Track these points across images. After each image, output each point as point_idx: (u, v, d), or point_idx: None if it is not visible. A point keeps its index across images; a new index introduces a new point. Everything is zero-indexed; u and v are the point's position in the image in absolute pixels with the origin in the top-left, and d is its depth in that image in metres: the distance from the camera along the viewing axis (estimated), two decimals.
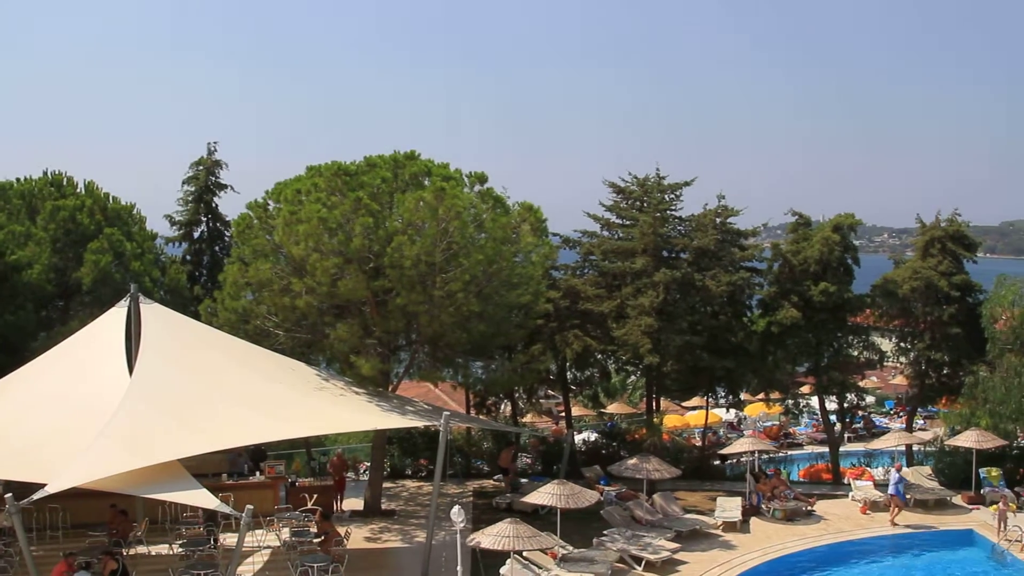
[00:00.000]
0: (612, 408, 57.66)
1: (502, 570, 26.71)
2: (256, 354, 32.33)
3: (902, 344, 44.48)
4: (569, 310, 40.01)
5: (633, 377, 56.07)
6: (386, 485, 38.32)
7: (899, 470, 36.81)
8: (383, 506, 36.05)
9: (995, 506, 34.44)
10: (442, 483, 30.56)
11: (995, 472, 38.44)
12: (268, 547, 30.88)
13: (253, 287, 34.10)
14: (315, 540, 29.39)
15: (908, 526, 34.95)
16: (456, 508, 25.69)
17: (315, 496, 34.20)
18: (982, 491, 37.60)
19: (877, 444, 45.04)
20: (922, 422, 59.15)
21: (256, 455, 36.81)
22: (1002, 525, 33.38)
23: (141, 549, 30.08)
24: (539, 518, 32.93)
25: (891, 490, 36.09)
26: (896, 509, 35.52)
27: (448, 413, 30.04)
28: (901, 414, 60.08)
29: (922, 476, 39.62)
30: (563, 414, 47.93)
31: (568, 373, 43.42)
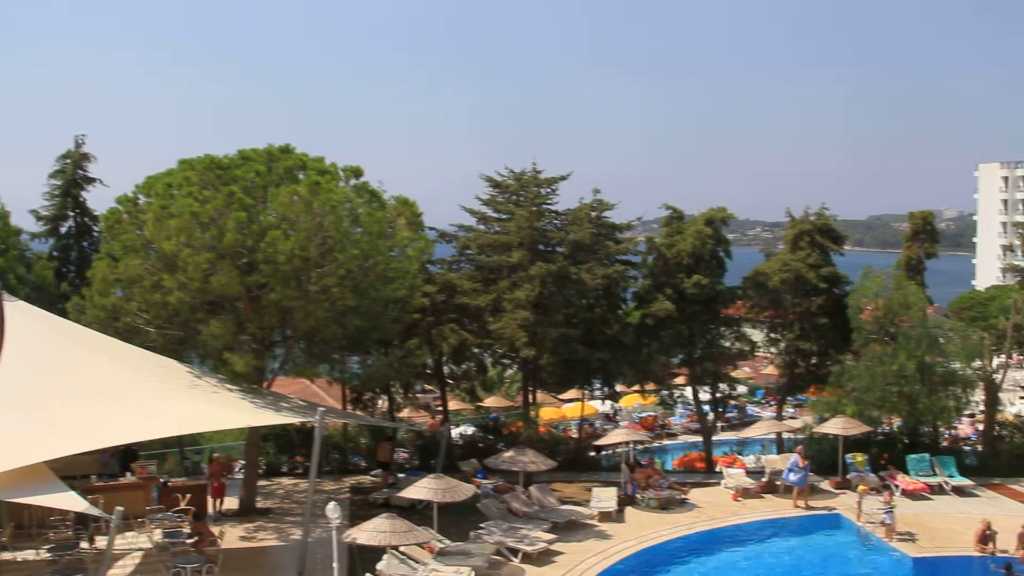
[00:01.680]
0: (489, 401, 57.80)
1: (379, 566, 26.60)
2: (126, 352, 31.70)
3: (772, 335, 45.44)
4: (445, 304, 40.05)
5: (510, 370, 56.32)
6: (261, 483, 37.91)
7: (800, 453, 37.54)
8: (258, 504, 35.61)
9: (860, 489, 35.40)
10: (318, 480, 30.39)
11: (860, 457, 39.51)
12: (140, 549, 30.25)
13: (123, 283, 33.36)
14: (188, 541, 28.93)
15: (812, 507, 35.75)
16: (332, 504, 25.51)
17: (188, 496, 33.60)
18: (848, 476, 38.60)
19: (748, 432, 45.92)
20: (792, 410, 60.42)
21: (127, 455, 36.02)
22: (860, 508, 34.42)
23: (6, 555, 29.25)
24: (416, 513, 32.86)
25: (791, 478, 36.94)
26: (796, 491, 36.59)
27: (323, 409, 29.84)
28: (772, 403, 61.33)
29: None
30: (440, 408, 47.92)
31: (445, 367, 43.42)
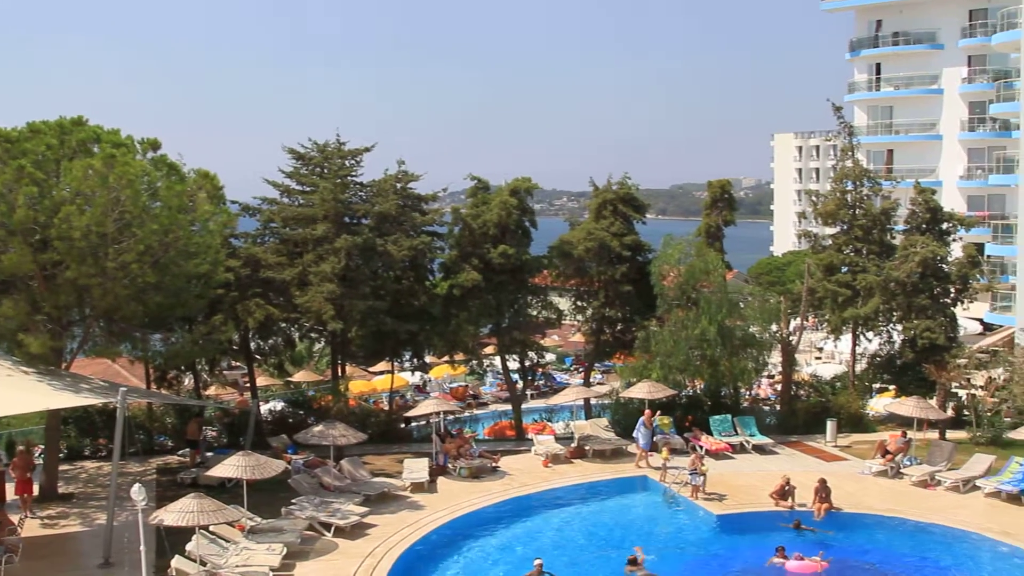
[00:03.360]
0: (299, 376, 57.14)
1: (188, 547, 26.04)
2: None
3: (579, 303, 46.06)
4: (250, 279, 39.35)
5: (319, 344, 55.78)
6: (63, 468, 36.60)
7: (648, 416, 38.20)
8: (60, 490, 34.40)
9: (664, 452, 36.35)
10: (122, 462, 29.56)
11: (666, 420, 40.50)
12: None
13: None
14: None
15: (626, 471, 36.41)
16: (136, 487, 24.80)
17: None
18: (655, 438, 39.51)
19: (557, 399, 46.59)
20: (600, 376, 61.62)
21: None
22: (665, 470, 35.40)
23: None
24: (226, 491, 32.31)
25: (639, 440, 37.68)
26: (640, 452, 37.42)
27: (125, 389, 28.94)
28: (580, 370, 62.38)
29: (599, 428, 41.33)
30: (248, 385, 47.15)
31: (251, 343, 42.71)
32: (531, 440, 41.52)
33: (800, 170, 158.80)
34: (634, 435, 38.25)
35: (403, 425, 45.08)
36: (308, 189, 41.98)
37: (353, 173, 41.94)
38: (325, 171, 41.52)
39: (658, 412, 39.12)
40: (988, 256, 60.78)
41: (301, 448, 37.98)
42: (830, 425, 41.41)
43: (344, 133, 42.18)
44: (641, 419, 38.08)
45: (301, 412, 43.85)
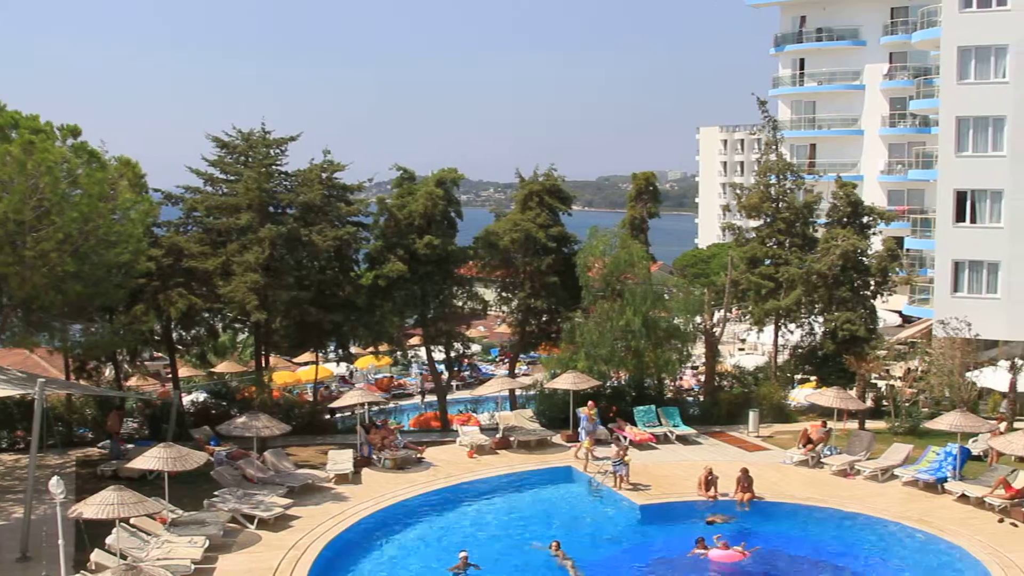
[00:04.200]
0: (222, 367, 56.66)
1: (108, 540, 25.71)
2: None
3: (504, 294, 46.12)
4: (173, 268, 38.86)
5: (242, 335, 55.30)
6: None
7: (591, 408, 38.32)
8: None
9: (587, 443, 36.52)
10: (40, 454, 29.07)
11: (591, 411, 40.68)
12: None
13: None
14: None
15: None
16: (55, 479, 24.43)
17: None
18: (579, 429, 39.66)
19: (482, 390, 46.62)
20: (525, 367, 61.76)
21: None
22: (588, 460, 35.58)
23: None
24: (147, 483, 31.94)
25: (581, 433, 37.80)
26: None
27: (43, 380, 28.51)
28: (506, 361, 62.47)
29: (524, 419, 41.37)
30: (170, 375, 46.62)
31: (174, 333, 42.21)
32: (456, 431, 41.48)
33: (725, 163, 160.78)
34: (580, 429, 38.30)
35: (327, 416, 44.86)
36: (232, 178, 41.53)
37: (278, 162, 41.55)
38: (250, 160, 41.11)
39: (590, 403, 39.15)
40: (907, 250, 61.88)
41: (224, 440, 37.61)
42: (752, 415, 41.89)
43: (271, 123, 41.83)
44: (583, 415, 38.15)
45: (224, 403, 43.43)
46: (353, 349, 48.08)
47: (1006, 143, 51.65)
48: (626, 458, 34.17)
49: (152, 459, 28.85)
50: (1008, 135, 51.57)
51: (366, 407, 40.65)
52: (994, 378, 44.18)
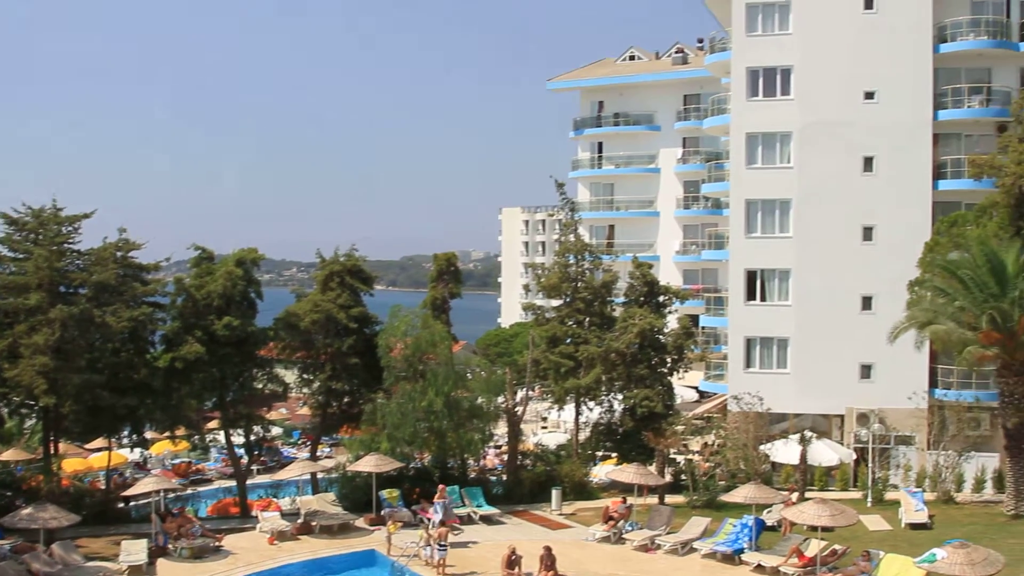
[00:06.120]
0: (7, 455, 53.98)
1: None
2: None
3: (305, 375, 45.61)
4: None
5: (30, 420, 53.01)
6: None
7: (441, 491, 37.50)
8: None
9: (391, 526, 36.16)
10: None
11: (394, 493, 40.37)
12: None
13: None
14: None
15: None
16: None
17: None
18: (382, 512, 39.25)
19: (283, 475, 45.78)
20: (328, 450, 60.96)
21: None
22: (390, 543, 35.20)
23: None
24: None
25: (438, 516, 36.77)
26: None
27: None
28: (307, 443, 61.56)
29: (327, 503, 40.71)
30: None
31: None
32: (256, 517, 40.52)
33: (527, 243, 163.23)
34: (432, 511, 37.45)
35: (121, 504, 43.28)
36: (21, 256, 40.06)
37: (71, 240, 40.33)
38: (40, 237, 39.76)
39: (441, 487, 38.47)
40: (702, 327, 63.61)
41: (8, 532, 35.79)
42: (555, 493, 42.22)
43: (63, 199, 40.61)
44: (437, 501, 37.29)
45: (9, 493, 41.38)
46: (149, 434, 46.61)
47: (792, 225, 54.17)
48: (441, 538, 33.72)
49: None
50: (794, 217, 54.12)
51: (162, 494, 39.36)
52: (785, 451, 45.67)
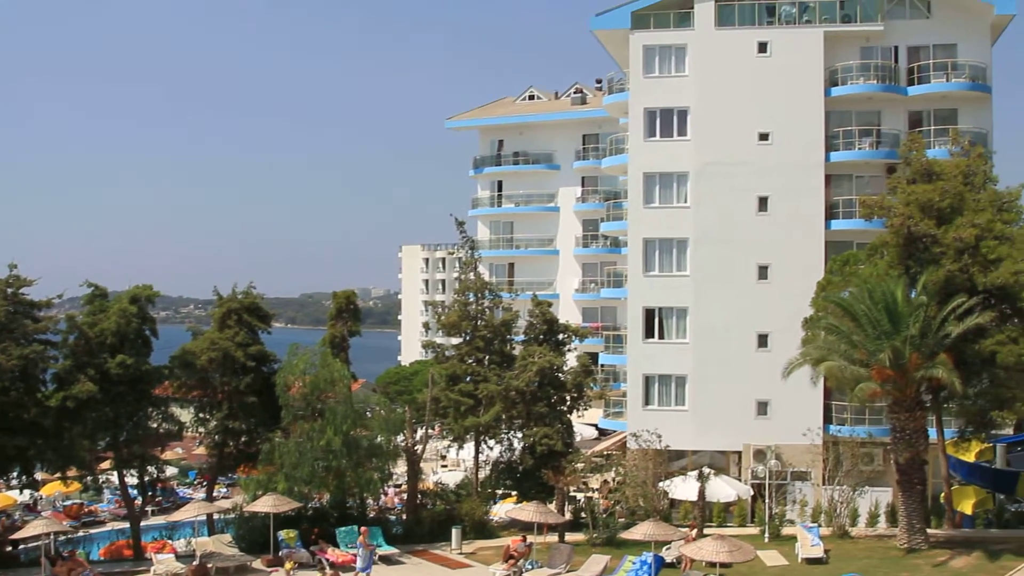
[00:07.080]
0: None
1: None
2: None
3: (202, 414, 45.08)
4: None
5: None
6: None
7: (364, 534, 37.06)
8: None
9: (288, 566, 35.76)
10: None
11: (292, 534, 39.80)
12: None
13: None
14: None
15: None
16: None
17: None
18: (280, 553, 38.74)
19: (178, 516, 44.98)
20: (225, 490, 60.08)
21: None
22: None
23: None
24: None
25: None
26: None
27: None
28: (204, 483, 60.65)
29: (223, 544, 40.09)
30: None
31: None
32: (150, 559, 39.73)
33: (427, 281, 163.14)
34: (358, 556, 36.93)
35: (9, 548, 42.27)
36: None
37: None
38: None
39: (363, 529, 38.03)
40: (601, 365, 63.98)
41: None
42: (455, 532, 41.99)
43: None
44: (359, 543, 36.95)
45: None
46: (39, 475, 45.58)
47: (689, 263, 54.95)
48: None
49: None
50: (691, 256, 54.90)
51: (52, 537, 38.46)
52: (684, 487, 46.02)
